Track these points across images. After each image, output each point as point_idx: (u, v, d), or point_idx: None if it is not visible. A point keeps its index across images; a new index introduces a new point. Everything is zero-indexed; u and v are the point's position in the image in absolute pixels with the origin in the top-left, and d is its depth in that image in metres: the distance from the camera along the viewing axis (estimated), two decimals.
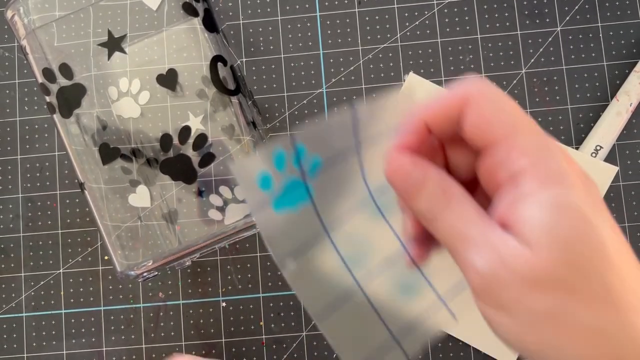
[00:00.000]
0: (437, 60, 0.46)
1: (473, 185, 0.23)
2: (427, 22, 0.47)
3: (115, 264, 0.37)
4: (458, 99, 0.21)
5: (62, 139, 0.38)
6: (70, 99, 0.37)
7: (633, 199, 0.45)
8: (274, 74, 0.47)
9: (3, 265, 0.46)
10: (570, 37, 0.46)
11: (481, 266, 0.20)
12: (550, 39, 0.46)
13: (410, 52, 0.46)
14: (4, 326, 0.45)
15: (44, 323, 0.45)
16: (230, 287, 0.45)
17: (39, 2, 0.38)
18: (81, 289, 0.45)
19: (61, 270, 0.46)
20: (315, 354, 0.44)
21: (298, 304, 0.45)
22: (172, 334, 0.45)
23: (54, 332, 0.45)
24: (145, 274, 0.38)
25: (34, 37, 0.38)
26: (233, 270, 0.45)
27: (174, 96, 0.38)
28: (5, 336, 0.45)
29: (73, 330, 0.45)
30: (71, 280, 0.45)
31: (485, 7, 0.47)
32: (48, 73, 0.37)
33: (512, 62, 0.46)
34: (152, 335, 0.45)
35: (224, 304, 0.45)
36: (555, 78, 0.46)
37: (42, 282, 0.46)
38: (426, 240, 0.24)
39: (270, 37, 0.47)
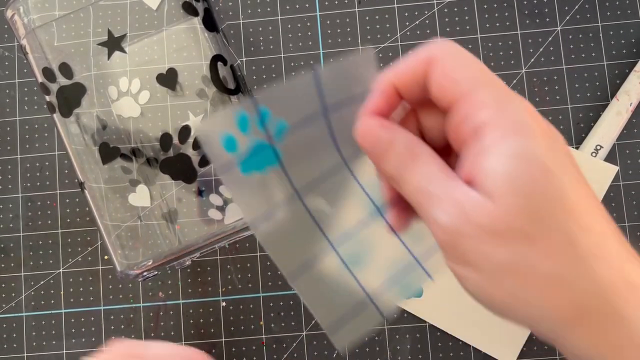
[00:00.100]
0: None
1: (449, 151, 0.23)
2: (427, 22, 0.47)
3: (115, 264, 0.37)
4: (423, 60, 0.22)
5: (62, 138, 0.38)
6: (70, 99, 0.37)
7: (633, 198, 0.45)
8: (274, 73, 0.47)
9: (3, 265, 0.46)
10: (570, 37, 0.46)
11: (444, 221, 0.20)
12: (550, 39, 0.46)
13: (410, 52, 0.46)
14: (4, 326, 0.45)
15: (44, 323, 0.45)
16: (230, 287, 0.45)
17: (38, 1, 0.38)
18: (81, 289, 0.45)
19: (61, 270, 0.46)
20: (315, 353, 0.44)
21: (298, 304, 0.45)
22: (172, 333, 0.45)
23: (54, 332, 0.45)
24: (145, 273, 0.37)
25: (34, 36, 0.38)
26: (233, 270, 0.45)
27: (174, 96, 0.38)
28: (5, 336, 0.45)
29: (73, 330, 0.45)
30: (71, 280, 0.45)
31: (485, 6, 0.47)
32: (48, 72, 0.37)
33: (512, 62, 0.46)
34: (152, 335, 0.45)
35: (224, 304, 0.45)
36: (555, 78, 0.46)
37: (42, 282, 0.46)
38: (405, 207, 0.24)
39: (270, 37, 0.47)
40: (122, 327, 0.45)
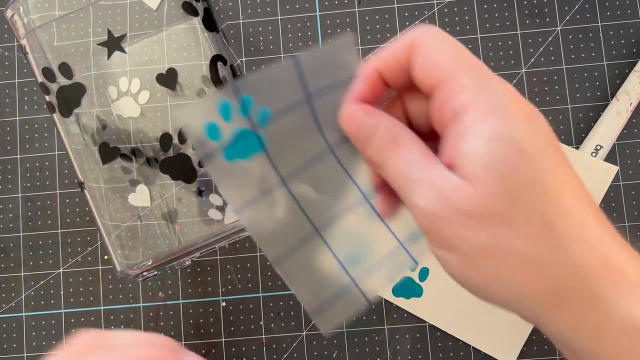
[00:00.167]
0: None
1: (436, 136, 0.23)
2: (427, 21, 0.47)
3: (115, 264, 0.37)
4: (406, 45, 0.22)
5: (61, 138, 0.38)
6: (70, 99, 0.37)
7: (633, 198, 0.45)
8: None
9: (3, 265, 0.46)
10: (570, 37, 0.46)
11: (424, 205, 0.20)
12: (550, 39, 0.46)
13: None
14: (4, 326, 0.45)
15: (43, 323, 0.45)
16: (230, 287, 0.45)
17: (38, 1, 0.38)
18: (81, 289, 0.45)
19: (61, 270, 0.46)
20: (315, 353, 0.44)
21: (298, 304, 0.45)
22: (172, 333, 0.45)
23: (54, 332, 0.45)
24: (145, 273, 0.37)
25: (34, 36, 0.38)
26: (233, 270, 0.45)
27: (174, 96, 0.38)
28: (5, 336, 0.45)
29: (73, 330, 0.45)
30: (71, 279, 0.45)
31: (485, 6, 0.47)
32: (48, 72, 0.37)
33: (512, 62, 0.46)
34: None
35: (223, 304, 0.45)
36: (555, 78, 0.46)
37: (41, 282, 0.46)
38: (392, 193, 0.24)
39: (270, 37, 0.47)
40: (122, 327, 0.45)
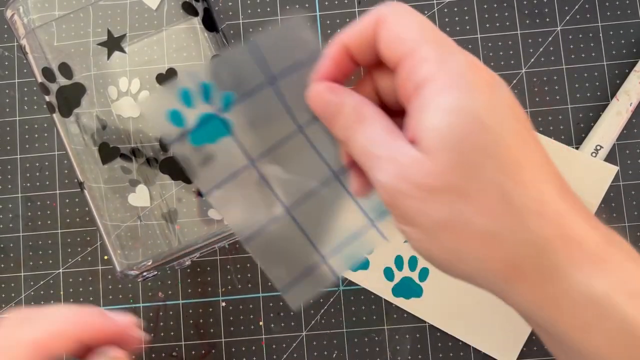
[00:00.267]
0: None
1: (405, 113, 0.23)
2: None
3: (114, 264, 0.37)
4: (372, 21, 0.22)
5: (61, 138, 0.38)
6: (70, 99, 0.37)
7: (633, 198, 0.45)
8: None
9: (3, 265, 0.46)
10: (570, 37, 0.46)
11: (385, 181, 0.20)
12: (550, 39, 0.46)
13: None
14: None
15: None
16: (230, 287, 0.45)
17: (38, 1, 0.38)
18: (81, 289, 0.45)
19: (61, 270, 0.46)
20: (315, 354, 0.44)
21: None
22: (172, 333, 0.45)
23: None
24: (145, 273, 0.37)
25: (34, 36, 0.38)
26: (233, 270, 0.45)
27: None
28: None
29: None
30: (71, 280, 0.45)
31: (485, 6, 0.47)
32: (48, 72, 0.37)
33: (512, 62, 0.46)
34: (152, 335, 0.45)
35: (223, 304, 0.45)
36: (555, 78, 0.46)
37: (41, 282, 0.46)
38: (362, 171, 0.24)
39: None
40: None
